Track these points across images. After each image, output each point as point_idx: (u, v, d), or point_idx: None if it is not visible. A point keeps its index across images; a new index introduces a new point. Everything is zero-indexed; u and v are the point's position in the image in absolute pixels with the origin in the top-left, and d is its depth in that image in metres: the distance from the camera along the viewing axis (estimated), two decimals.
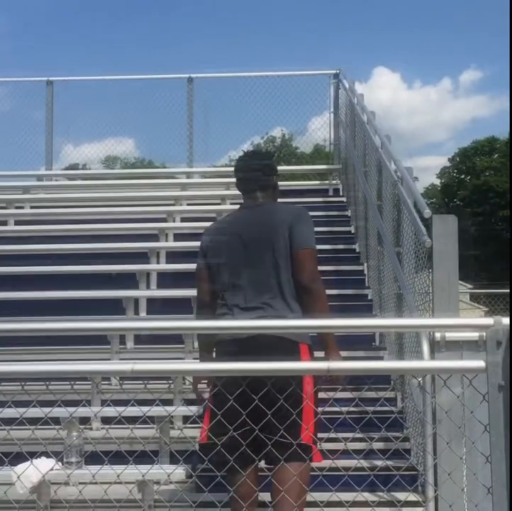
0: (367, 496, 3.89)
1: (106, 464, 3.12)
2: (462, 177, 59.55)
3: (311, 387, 3.52)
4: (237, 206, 9.24)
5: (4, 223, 8.88)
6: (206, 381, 3.90)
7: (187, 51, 79.74)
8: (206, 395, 3.82)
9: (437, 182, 61.61)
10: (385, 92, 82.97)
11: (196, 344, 6.62)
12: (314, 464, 3.56)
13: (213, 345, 3.86)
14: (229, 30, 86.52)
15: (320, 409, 3.62)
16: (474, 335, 3.08)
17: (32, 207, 9.45)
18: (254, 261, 3.80)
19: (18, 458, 3.79)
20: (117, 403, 3.69)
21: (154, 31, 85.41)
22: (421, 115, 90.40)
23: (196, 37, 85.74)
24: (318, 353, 3.70)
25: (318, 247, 3.92)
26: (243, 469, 3.43)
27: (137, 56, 76.25)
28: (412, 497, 4.08)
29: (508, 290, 16.07)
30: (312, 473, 3.49)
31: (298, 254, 3.75)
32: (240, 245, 3.85)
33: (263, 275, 3.76)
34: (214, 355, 3.84)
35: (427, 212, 4.68)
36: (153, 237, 8.05)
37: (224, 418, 3.14)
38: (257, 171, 4.05)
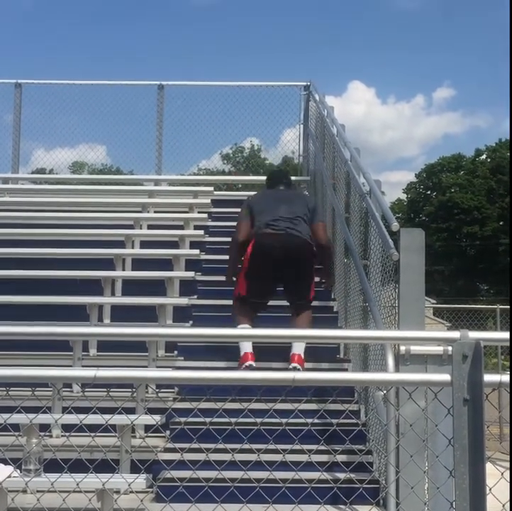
0: (329, 508, 3.87)
1: (66, 472, 3.07)
2: (428, 192, 60.06)
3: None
4: (205, 215, 9.24)
5: None
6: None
7: (159, 59, 79.69)
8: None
9: (404, 196, 62.05)
10: (359, 107, 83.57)
11: (160, 352, 6.59)
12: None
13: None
14: (203, 40, 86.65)
15: (284, 420, 3.60)
16: (438, 349, 3.08)
17: None
18: (288, 206, 6.25)
19: None
20: (78, 410, 3.65)
21: (128, 38, 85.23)
22: (394, 130, 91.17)
23: (168, 45, 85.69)
24: None
25: None
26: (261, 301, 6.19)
27: (112, 63, 75.97)
28: (374, 510, 4.07)
29: (471, 306, 16.26)
30: (275, 485, 3.46)
31: (319, 224, 6.43)
32: (278, 200, 6.36)
33: (293, 214, 6.20)
34: (254, 244, 6.11)
35: (395, 225, 4.67)
36: (119, 244, 7.99)
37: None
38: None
